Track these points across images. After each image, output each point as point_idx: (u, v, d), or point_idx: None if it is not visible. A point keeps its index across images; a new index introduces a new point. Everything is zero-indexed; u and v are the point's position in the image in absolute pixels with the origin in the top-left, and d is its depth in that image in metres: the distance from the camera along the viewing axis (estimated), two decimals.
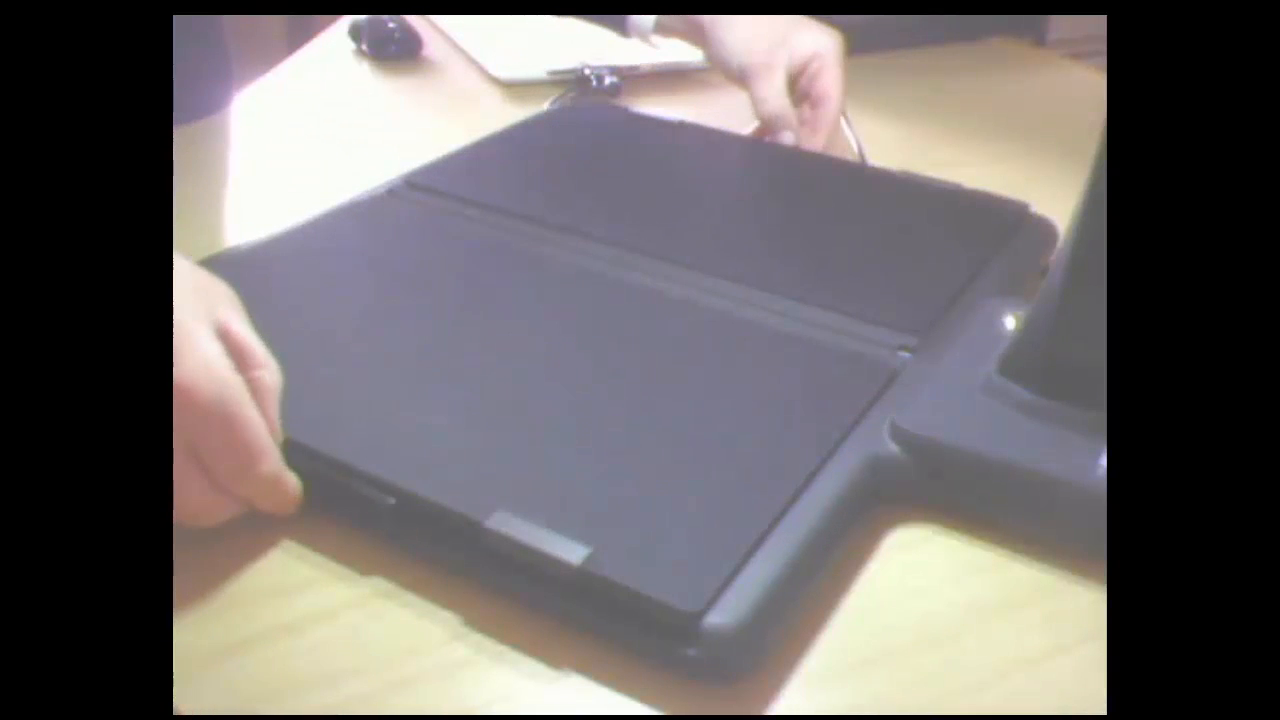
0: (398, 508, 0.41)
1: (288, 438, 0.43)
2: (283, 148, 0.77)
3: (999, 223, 0.63)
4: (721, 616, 0.37)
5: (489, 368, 0.48)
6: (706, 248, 0.59)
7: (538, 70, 0.89)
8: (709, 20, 0.77)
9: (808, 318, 0.53)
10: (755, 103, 0.74)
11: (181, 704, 0.36)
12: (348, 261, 0.57)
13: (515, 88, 0.89)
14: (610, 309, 0.53)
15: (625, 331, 0.52)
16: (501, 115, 0.77)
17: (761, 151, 0.74)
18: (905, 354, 0.51)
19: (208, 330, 0.41)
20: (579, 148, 0.73)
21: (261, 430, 0.41)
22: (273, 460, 0.41)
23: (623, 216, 0.62)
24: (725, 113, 0.80)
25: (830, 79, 0.74)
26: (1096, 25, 1.06)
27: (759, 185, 0.70)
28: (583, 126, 0.77)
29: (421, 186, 0.64)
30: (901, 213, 0.65)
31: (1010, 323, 0.50)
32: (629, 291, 0.55)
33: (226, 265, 0.51)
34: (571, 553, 0.38)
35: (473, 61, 0.94)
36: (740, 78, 0.75)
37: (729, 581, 0.38)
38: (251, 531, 0.42)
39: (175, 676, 0.37)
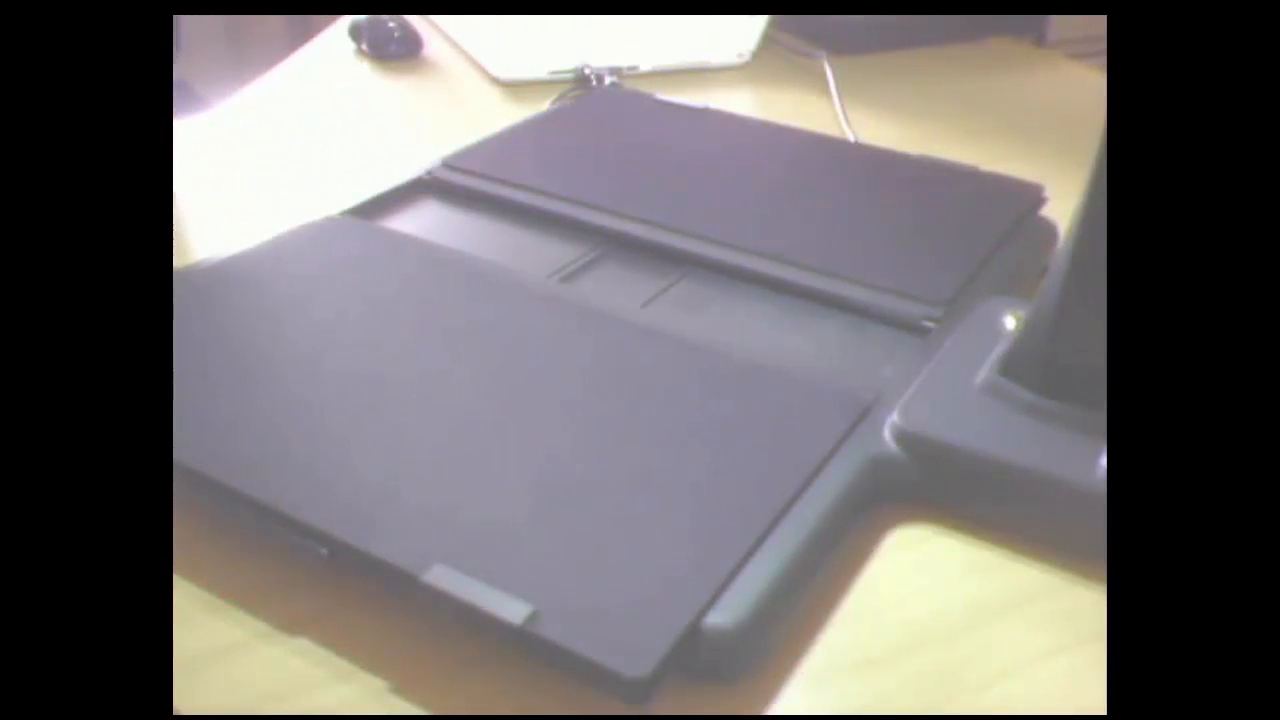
0: (332, 557, 0.39)
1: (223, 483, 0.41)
2: (283, 148, 0.77)
3: (1019, 202, 0.65)
4: (721, 616, 0.37)
5: (437, 403, 0.45)
6: (731, 222, 0.61)
7: (538, 70, 0.89)
8: None
9: (820, 311, 0.55)
10: None
11: (181, 704, 0.36)
12: (296, 287, 0.54)
13: (515, 88, 0.89)
14: (575, 337, 0.50)
15: (592, 362, 0.49)
16: (501, 115, 0.77)
17: (785, 136, 0.74)
18: (931, 324, 0.52)
19: None
20: (610, 133, 0.73)
21: None
22: None
23: (654, 197, 0.64)
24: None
25: None
26: (1096, 25, 1.07)
27: (790, 169, 0.70)
28: (612, 112, 0.77)
29: (457, 168, 0.66)
30: (923, 192, 0.66)
31: (1010, 323, 0.50)
32: (595, 319, 0.52)
33: (185, 282, 0.52)
34: (513, 612, 0.36)
35: (473, 61, 0.94)
36: None
37: (728, 582, 0.38)
38: (253, 531, 0.42)
39: (175, 676, 0.37)
